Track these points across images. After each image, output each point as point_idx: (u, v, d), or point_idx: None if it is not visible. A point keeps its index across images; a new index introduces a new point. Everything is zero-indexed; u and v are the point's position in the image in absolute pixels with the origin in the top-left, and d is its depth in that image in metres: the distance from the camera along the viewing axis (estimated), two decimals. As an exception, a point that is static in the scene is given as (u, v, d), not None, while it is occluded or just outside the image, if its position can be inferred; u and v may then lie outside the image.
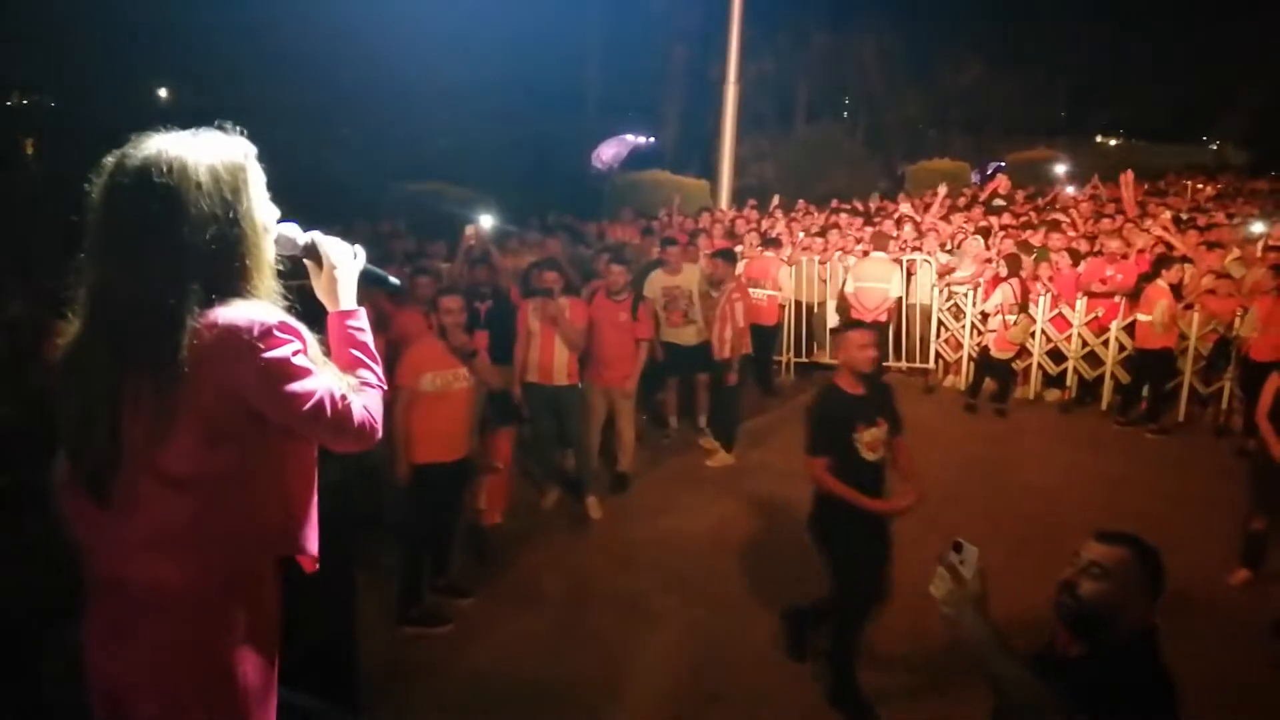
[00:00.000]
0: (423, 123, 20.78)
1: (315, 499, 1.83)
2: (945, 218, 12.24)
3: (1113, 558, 2.08)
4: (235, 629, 1.73)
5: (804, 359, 10.39)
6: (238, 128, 1.75)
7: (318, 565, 1.85)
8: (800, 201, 14.73)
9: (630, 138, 29.62)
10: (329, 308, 1.88)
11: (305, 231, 1.88)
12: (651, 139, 28.93)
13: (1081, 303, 8.93)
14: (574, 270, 7.31)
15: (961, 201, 14.22)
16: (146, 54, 20.85)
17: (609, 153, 28.67)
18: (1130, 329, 8.59)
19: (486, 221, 9.11)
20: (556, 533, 6.06)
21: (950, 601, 2.04)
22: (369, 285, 1.96)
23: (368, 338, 1.87)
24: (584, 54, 26.18)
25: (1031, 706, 1.91)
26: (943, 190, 13.53)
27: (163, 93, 25.63)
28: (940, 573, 2.08)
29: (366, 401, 1.76)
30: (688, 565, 5.56)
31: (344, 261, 1.89)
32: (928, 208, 13.25)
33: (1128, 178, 12.18)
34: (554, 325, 6.11)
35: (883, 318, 9.20)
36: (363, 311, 1.89)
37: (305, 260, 1.89)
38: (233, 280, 1.65)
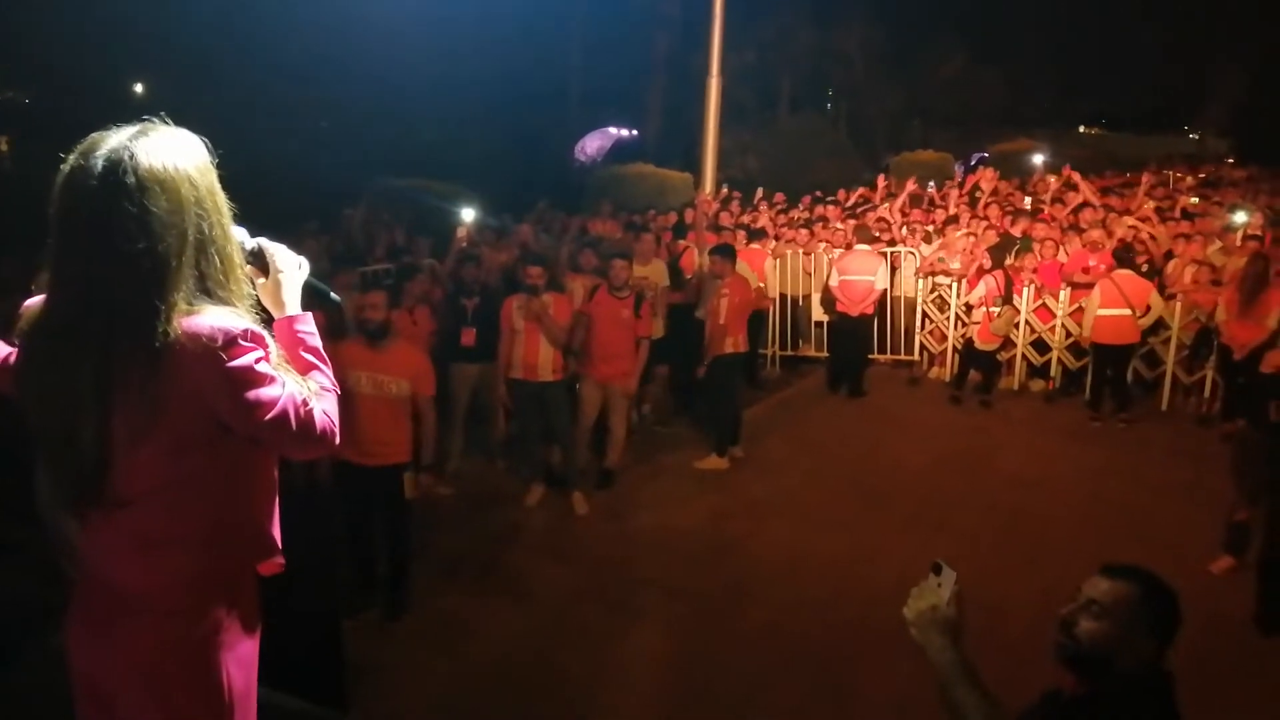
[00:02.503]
0: (405, 117, 20.67)
1: (276, 505, 1.84)
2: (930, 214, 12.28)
3: (1114, 595, 1.94)
4: (213, 630, 1.75)
5: (789, 352, 10.41)
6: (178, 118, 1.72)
7: (283, 568, 1.87)
8: (778, 195, 14.71)
9: (613, 130, 29.52)
10: (275, 314, 1.86)
11: (252, 237, 1.86)
12: (634, 132, 28.85)
13: (1065, 293, 8.96)
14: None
15: (942, 194, 14.22)
16: (124, 49, 20.63)
17: (592, 145, 28.58)
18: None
19: (469, 215, 9.09)
20: (543, 529, 6.04)
21: (920, 624, 1.99)
22: (310, 298, 1.94)
23: (318, 341, 1.87)
24: (566, 46, 26.07)
25: None
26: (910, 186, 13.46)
27: (139, 88, 25.34)
28: (914, 594, 2.02)
29: (326, 407, 1.76)
30: (674, 561, 5.55)
31: (290, 268, 1.88)
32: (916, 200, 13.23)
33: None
34: (538, 322, 6.08)
35: (869, 310, 9.22)
36: (309, 316, 1.88)
37: (250, 265, 1.86)
38: (203, 282, 1.64)
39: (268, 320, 1.76)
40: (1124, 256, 8.39)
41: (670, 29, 24.77)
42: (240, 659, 1.80)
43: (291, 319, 1.85)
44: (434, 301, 6.90)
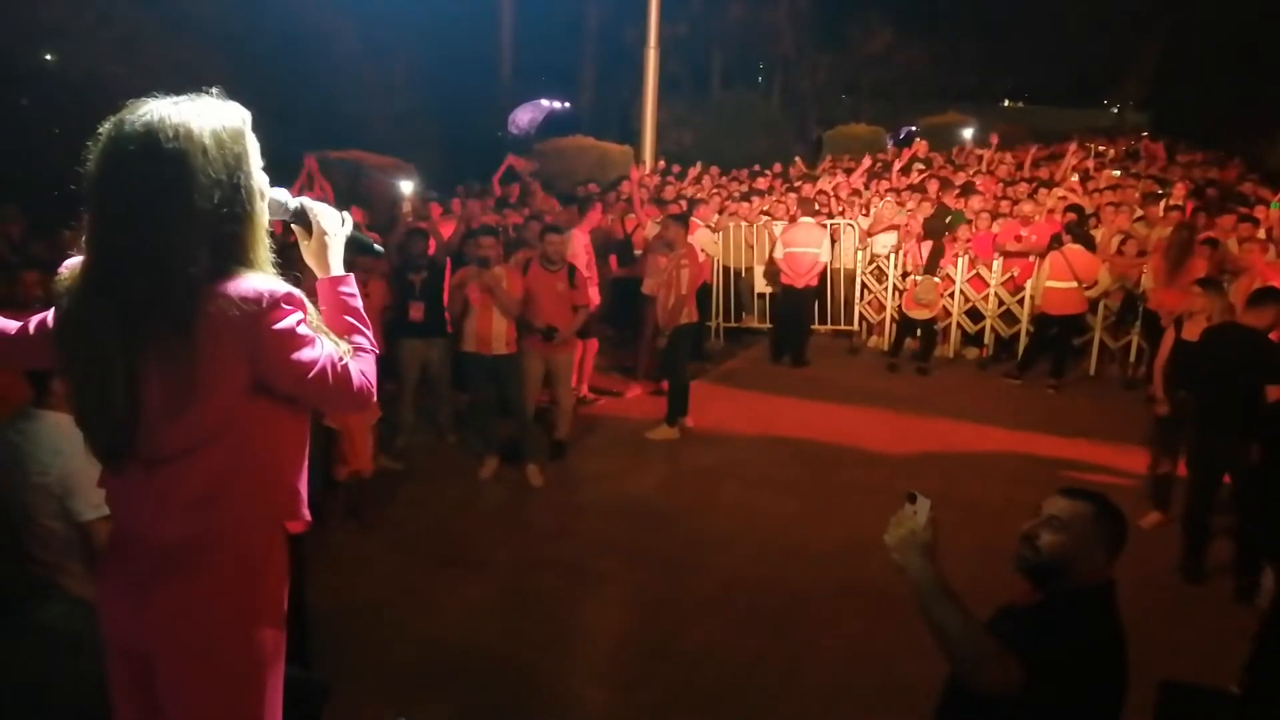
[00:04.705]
0: (334, 89, 20.14)
1: (306, 465, 1.86)
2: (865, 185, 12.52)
3: (1072, 512, 2.17)
4: (249, 587, 1.77)
5: (732, 324, 10.55)
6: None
7: (309, 525, 1.90)
8: (712, 168, 14.80)
9: (545, 103, 29.25)
10: (318, 273, 1.90)
11: (295, 197, 1.88)
12: (567, 104, 28.62)
13: (997, 263, 9.24)
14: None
15: (878, 167, 14.48)
16: (27, 15, 19.65)
17: (524, 118, 28.27)
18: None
19: (407, 188, 9.00)
20: (499, 501, 6.07)
21: (900, 548, 2.10)
22: (354, 252, 1.96)
23: (359, 303, 1.90)
24: (496, 17, 25.63)
25: (970, 655, 1.98)
26: (866, 162, 13.80)
27: (47, 57, 24.18)
28: (894, 521, 2.14)
29: (363, 366, 1.80)
30: (629, 528, 5.64)
31: (333, 228, 1.90)
32: (849, 172, 13.49)
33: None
34: (491, 295, 6.07)
35: (813, 282, 9.38)
36: (352, 277, 1.90)
37: (294, 225, 1.89)
38: (234, 246, 1.66)
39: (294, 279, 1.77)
40: (1076, 231, 8.61)
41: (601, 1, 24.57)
42: (272, 616, 1.81)
43: (335, 280, 1.88)
44: (380, 274, 6.82)
